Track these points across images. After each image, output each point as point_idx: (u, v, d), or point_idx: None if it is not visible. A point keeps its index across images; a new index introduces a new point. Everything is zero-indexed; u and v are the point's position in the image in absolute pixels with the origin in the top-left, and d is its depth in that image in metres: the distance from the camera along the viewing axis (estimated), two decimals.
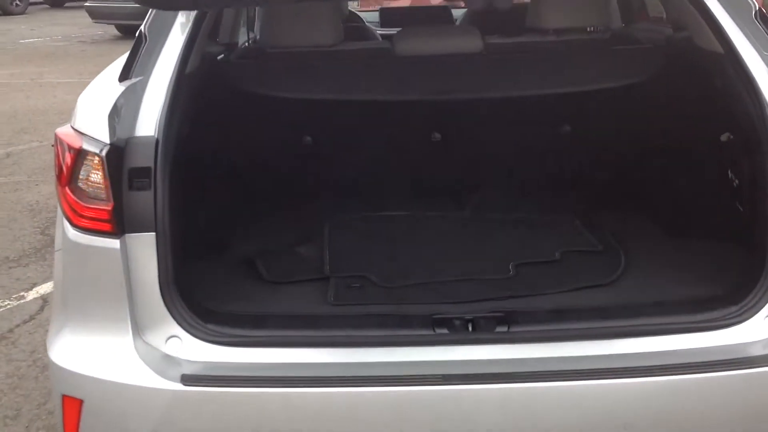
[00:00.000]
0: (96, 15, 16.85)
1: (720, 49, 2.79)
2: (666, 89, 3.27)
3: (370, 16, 6.80)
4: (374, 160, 3.64)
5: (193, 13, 2.93)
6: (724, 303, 2.44)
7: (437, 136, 3.63)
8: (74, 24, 18.73)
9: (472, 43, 3.49)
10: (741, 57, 2.68)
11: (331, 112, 3.48)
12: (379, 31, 5.47)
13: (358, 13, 6.31)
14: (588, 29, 3.62)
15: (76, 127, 2.46)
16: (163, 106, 2.54)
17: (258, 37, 4.74)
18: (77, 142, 2.40)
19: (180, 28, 2.87)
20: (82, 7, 17.86)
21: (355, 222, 3.39)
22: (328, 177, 3.67)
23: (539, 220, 3.37)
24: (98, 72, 2.95)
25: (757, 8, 2.88)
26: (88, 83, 2.79)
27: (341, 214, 3.45)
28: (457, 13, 6.58)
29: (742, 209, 2.78)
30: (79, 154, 2.39)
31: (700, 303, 2.48)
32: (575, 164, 3.64)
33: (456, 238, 3.20)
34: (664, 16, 4.47)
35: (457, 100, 3.41)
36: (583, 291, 2.72)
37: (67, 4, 23.13)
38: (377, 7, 11.15)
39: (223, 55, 3.74)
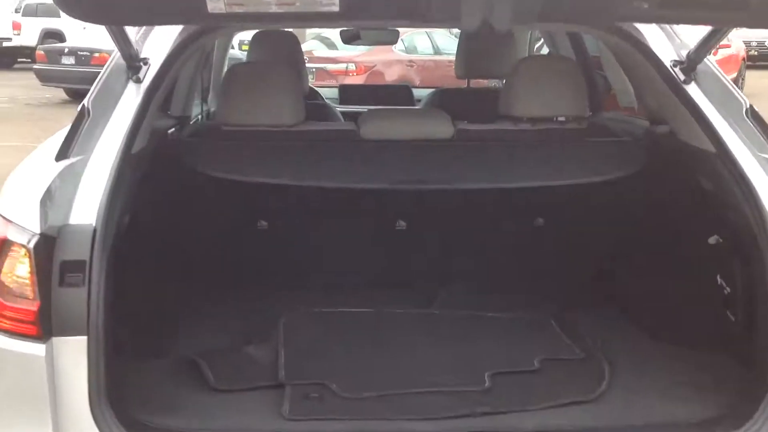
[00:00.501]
0: (45, 78, 16.47)
1: (711, 148, 2.63)
2: (647, 186, 3.10)
3: (328, 92, 6.63)
4: (334, 248, 3.38)
5: (143, 86, 2.68)
6: (724, 426, 2.22)
7: (402, 224, 3.40)
8: (23, 86, 18.28)
9: (442, 129, 3.30)
10: (735, 157, 2.51)
11: (290, 196, 3.23)
12: (338, 109, 5.27)
13: (317, 89, 6.12)
14: (563, 119, 3.44)
15: (1, 212, 2.16)
16: (105, 191, 2.27)
17: (212, 110, 4.50)
18: (1, 231, 2.11)
19: (128, 101, 2.61)
20: (31, 69, 17.49)
21: (313, 318, 3.10)
22: (283, 267, 3.39)
23: (513, 320, 3.13)
24: (44, 136, 2.66)
25: (748, 105, 2.74)
26: (33, 148, 2.51)
27: (297, 308, 3.15)
28: (418, 93, 6.45)
29: (734, 319, 2.58)
30: (4, 245, 2.10)
31: (697, 426, 2.25)
32: (549, 260, 3.43)
33: (424, 340, 2.93)
34: (636, 107, 4.34)
35: (425, 189, 3.19)
36: (567, 407, 2.47)
37: (16, 66, 22.74)
38: (334, 83, 11.10)
39: (174, 130, 3.48)
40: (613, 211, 3.25)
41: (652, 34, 2.92)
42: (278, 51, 4.29)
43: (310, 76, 11.39)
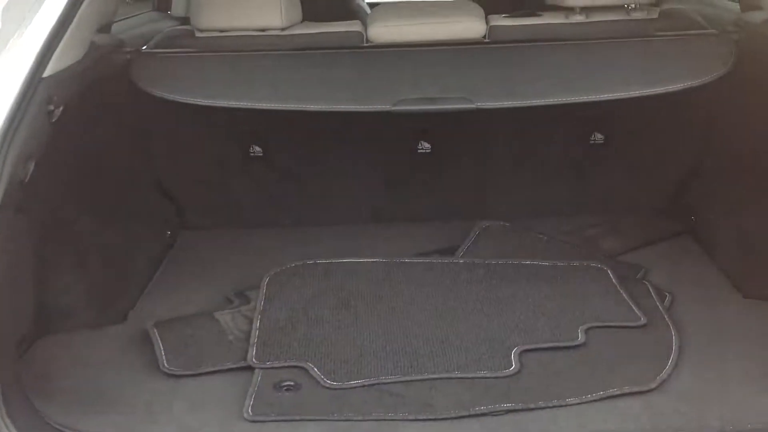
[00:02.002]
0: None
1: None
2: (738, 92, 2.40)
3: None
4: (341, 180, 2.79)
5: None
6: None
7: (425, 146, 2.77)
8: None
9: (472, 26, 2.63)
10: None
11: (284, 120, 2.62)
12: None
13: None
14: (627, 6, 2.69)
15: None
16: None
17: None
18: None
19: (54, 6, 2.00)
20: None
21: (306, 273, 2.49)
22: (278, 204, 2.83)
23: (558, 269, 2.47)
24: None
25: None
26: None
27: (288, 260, 2.54)
28: None
29: None
30: None
31: None
32: (609, 186, 2.80)
33: (440, 302, 2.30)
34: None
35: (451, 107, 2.52)
36: (617, 400, 1.85)
37: None
38: None
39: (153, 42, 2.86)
40: (692, 126, 2.62)
41: None
42: None
43: None
